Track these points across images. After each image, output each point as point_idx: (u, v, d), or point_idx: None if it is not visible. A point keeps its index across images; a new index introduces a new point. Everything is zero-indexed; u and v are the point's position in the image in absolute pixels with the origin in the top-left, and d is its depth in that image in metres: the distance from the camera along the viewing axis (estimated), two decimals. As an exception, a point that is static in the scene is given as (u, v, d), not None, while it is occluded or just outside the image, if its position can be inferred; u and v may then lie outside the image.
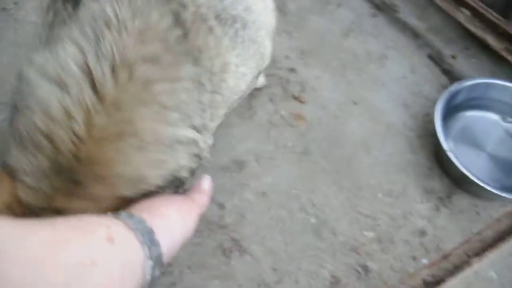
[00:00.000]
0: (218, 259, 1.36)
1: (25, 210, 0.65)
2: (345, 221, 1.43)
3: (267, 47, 1.13)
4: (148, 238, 0.63)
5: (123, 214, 0.65)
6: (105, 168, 0.69)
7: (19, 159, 0.68)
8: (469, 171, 1.39)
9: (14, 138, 0.71)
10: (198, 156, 0.85)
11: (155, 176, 0.76)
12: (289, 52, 1.79)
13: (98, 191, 0.70)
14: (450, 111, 1.59)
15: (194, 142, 0.82)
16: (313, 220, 1.43)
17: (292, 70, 1.75)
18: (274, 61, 1.75)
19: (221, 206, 1.44)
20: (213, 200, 1.44)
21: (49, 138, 0.66)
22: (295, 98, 1.67)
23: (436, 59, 1.85)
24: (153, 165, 0.75)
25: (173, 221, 0.75)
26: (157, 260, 0.65)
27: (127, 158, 0.71)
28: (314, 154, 1.55)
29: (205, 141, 0.88)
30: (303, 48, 1.81)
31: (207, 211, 1.42)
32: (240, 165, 1.52)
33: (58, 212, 0.66)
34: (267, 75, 1.73)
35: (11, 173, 0.67)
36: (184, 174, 0.83)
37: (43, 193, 0.65)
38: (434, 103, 1.56)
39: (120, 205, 0.73)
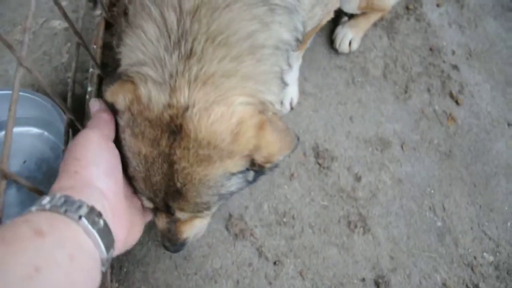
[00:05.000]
0: (341, 229, 1.36)
1: (142, 109, 0.69)
2: (469, 236, 1.41)
3: None
4: (75, 207, 0.59)
5: (44, 199, 0.60)
6: None
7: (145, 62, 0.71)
8: None
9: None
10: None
11: None
12: (456, 48, 1.70)
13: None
14: None
15: None
16: (439, 224, 1.41)
17: (455, 67, 1.66)
18: (439, 52, 1.67)
19: (357, 178, 1.42)
20: (349, 169, 1.43)
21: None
22: (452, 97, 1.60)
23: None
24: None
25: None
26: (96, 215, 0.61)
27: None
28: (456, 159, 1.50)
29: None
30: (471, 48, 1.71)
31: (341, 178, 1.41)
32: (384, 144, 1.48)
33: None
34: (429, 64, 1.65)
35: (133, 79, 0.72)
36: None
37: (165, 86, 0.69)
38: None
39: None
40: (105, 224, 0.62)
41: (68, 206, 0.59)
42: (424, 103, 1.57)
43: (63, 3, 1.73)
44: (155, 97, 0.68)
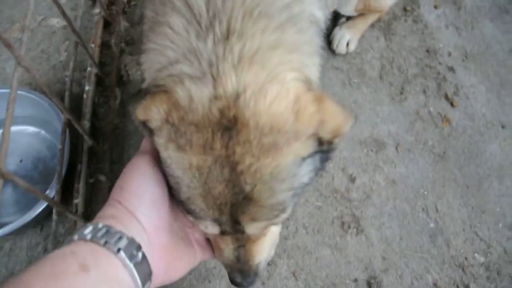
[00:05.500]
0: (335, 230, 1.38)
1: (183, 114, 0.60)
2: (461, 237, 1.43)
3: None
4: (115, 240, 0.59)
5: (86, 228, 0.60)
6: None
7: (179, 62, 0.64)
8: None
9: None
10: None
11: None
12: (453, 50, 1.71)
13: None
14: None
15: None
16: (432, 225, 1.43)
17: (451, 69, 1.67)
18: (436, 53, 1.68)
19: (351, 179, 1.43)
20: (343, 170, 1.44)
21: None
22: (447, 99, 1.61)
23: None
24: None
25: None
26: (135, 247, 0.60)
27: None
28: (450, 161, 1.52)
29: None
30: (468, 50, 1.72)
31: (336, 178, 1.43)
32: (379, 145, 1.50)
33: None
34: (426, 66, 1.66)
35: (165, 87, 0.64)
36: None
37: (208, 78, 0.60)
38: None
39: None
40: (144, 257, 0.61)
41: (109, 237, 0.58)
42: (419, 104, 1.58)
43: (62, 1, 1.73)
44: (196, 94, 0.59)
